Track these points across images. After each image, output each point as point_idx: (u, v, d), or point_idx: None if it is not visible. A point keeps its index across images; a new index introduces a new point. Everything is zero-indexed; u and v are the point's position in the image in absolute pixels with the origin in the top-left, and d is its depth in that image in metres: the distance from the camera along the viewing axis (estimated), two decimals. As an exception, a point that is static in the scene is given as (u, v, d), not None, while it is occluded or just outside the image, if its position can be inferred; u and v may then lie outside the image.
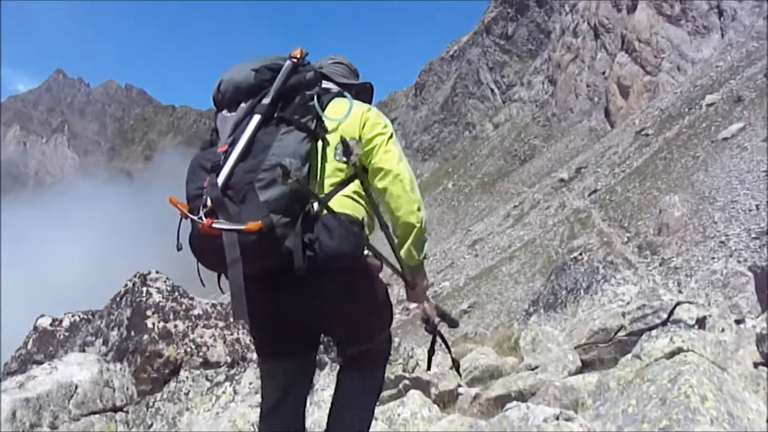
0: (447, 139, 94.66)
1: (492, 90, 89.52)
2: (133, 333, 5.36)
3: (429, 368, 4.05)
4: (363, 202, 3.12)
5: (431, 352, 3.82)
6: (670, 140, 42.49)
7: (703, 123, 41.38)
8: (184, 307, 5.63)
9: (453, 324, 3.87)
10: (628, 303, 8.82)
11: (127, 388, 5.07)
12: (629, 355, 5.04)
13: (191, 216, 2.88)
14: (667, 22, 58.89)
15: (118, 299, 5.79)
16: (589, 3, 71.26)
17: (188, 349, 5.25)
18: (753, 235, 23.54)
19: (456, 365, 4.05)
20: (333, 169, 3.07)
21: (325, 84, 3.37)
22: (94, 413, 4.80)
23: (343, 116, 3.12)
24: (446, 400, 7.06)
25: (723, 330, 6.33)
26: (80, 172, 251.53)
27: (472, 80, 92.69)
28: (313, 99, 3.14)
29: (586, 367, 7.26)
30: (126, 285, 5.80)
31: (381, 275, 3.38)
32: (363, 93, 3.58)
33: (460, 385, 7.41)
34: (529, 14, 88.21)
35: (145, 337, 5.25)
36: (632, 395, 3.95)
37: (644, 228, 31.11)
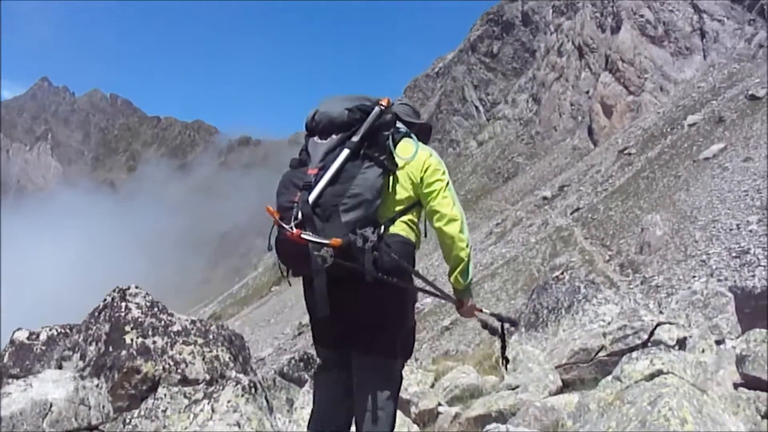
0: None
1: (476, 107, 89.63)
2: (111, 348, 5.31)
3: (506, 368, 5.38)
4: (415, 228, 3.99)
5: (504, 353, 4.59)
6: (653, 159, 42.69)
7: (684, 143, 41.61)
8: (163, 323, 5.59)
9: (513, 324, 4.56)
10: (609, 323, 8.82)
11: (103, 406, 5.02)
12: (609, 377, 5.04)
13: (283, 224, 3.74)
14: (651, 43, 59.27)
15: (96, 314, 5.74)
16: (573, 23, 71.66)
17: (166, 366, 5.21)
18: (733, 254, 23.63)
19: (505, 362, 4.70)
20: (397, 199, 3.91)
21: (398, 124, 4.16)
22: (69, 432, 4.74)
23: (410, 157, 3.93)
24: (426, 420, 7.04)
25: (703, 351, 6.33)
26: (63, 181, 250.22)
27: (457, 97, 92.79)
28: (388, 139, 3.92)
29: (566, 387, 7.26)
30: (105, 299, 5.76)
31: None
32: (423, 132, 4.43)
33: (440, 404, 7.39)
34: (514, 33, 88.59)
35: (123, 352, 5.21)
36: (612, 417, 3.94)
37: (626, 246, 31.18)
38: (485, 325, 4.84)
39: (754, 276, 21.51)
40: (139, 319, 5.47)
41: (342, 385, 4.18)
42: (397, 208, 3.90)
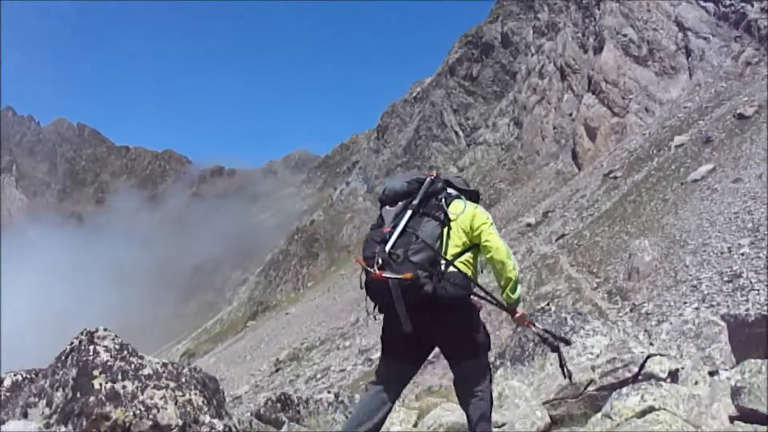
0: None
1: (456, 132, 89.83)
2: (79, 394, 5.24)
3: (569, 379, 6.59)
4: (470, 265, 5.34)
5: (562, 366, 5.91)
6: (639, 183, 42.81)
7: (672, 165, 41.77)
8: (133, 366, 5.53)
9: (566, 342, 6.11)
10: (597, 356, 8.80)
11: (71, 456, 4.94)
12: (599, 414, 5.03)
13: (369, 269, 5.08)
14: (635, 62, 59.55)
15: (63, 358, 5.67)
16: (555, 44, 72.12)
17: (137, 412, 5.15)
18: (725, 279, 23.65)
19: (569, 376, 6.12)
20: (454, 244, 5.26)
21: (450, 189, 5.58)
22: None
23: (460, 212, 5.35)
24: (411, 460, 6.98)
25: (696, 383, 6.32)
26: (28, 214, 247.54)
27: (436, 122, 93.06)
28: (441, 200, 5.37)
29: (555, 423, 7.21)
30: (72, 343, 5.69)
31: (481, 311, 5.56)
32: (473, 196, 5.67)
33: (424, 445, 7.34)
34: (494, 55, 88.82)
35: (92, 398, 5.14)
36: (603, 458, 3.91)
37: (614, 273, 31.17)
38: (544, 340, 5.97)
39: (747, 300, 21.52)
40: (108, 363, 5.41)
41: (384, 397, 5.48)
42: (455, 251, 5.24)
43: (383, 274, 4.99)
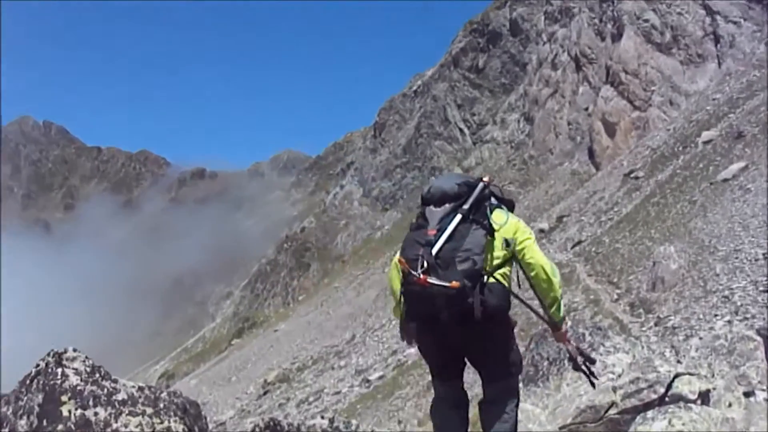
0: (410, 185, 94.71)
1: (461, 130, 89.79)
2: (45, 422, 5.21)
3: (593, 386, 6.60)
4: (508, 279, 5.53)
5: (589, 375, 6.28)
6: (663, 183, 42.71)
7: (699, 163, 41.65)
8: (106, 391, 5.48)
9: (591, 361, 6.32)
10: (619, 375, 8.77)
11: (36, 491, 4.89)
12: (623, 441, 4.97)
13: (412, 271, 5.21)
14: (657, 50, 59.41)
15: (28, 382, 5.61)
16: (569, 31, 71.94)
17: (110, 441, 5.10)
18: (761, 288, 23.48)
19: (592, 384, 6.44)
20: (495, 256, 5.42)
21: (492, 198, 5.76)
22: None
23: (503, 223, 5.51)
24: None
25: (730, 405, 6.28)
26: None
27: (439, 119, 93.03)
28: (487, 208, 5.52)
29: (573, 450, 7.16)
30: (38, 365, 5.64)
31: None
32: (508, 206, 5.86)
33: (429, 475, 7.32)
34: (501, 44, 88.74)
35: (60, 426, 5.10)
36: (629, 489, 3.88)
37: (636, 283, 31.05)
38: (570, 358, 6.31)
39: (785, 312, 21.39)
40: (78, 388, 5.36)
41: (458, 416, 5.86)
42: (495, 263, 5.41)
43: (428, 279, 5.14)
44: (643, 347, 13.17)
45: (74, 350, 5.79)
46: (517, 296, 5.72)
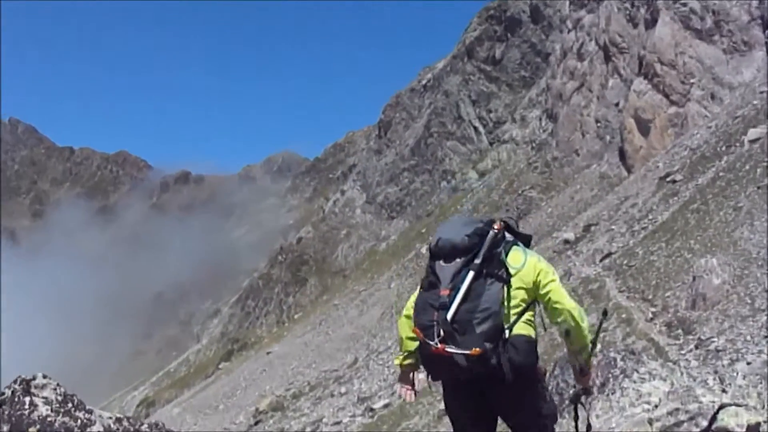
0: (419, 191, 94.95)
1: (476, 128, 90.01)
2: (12, 458, 5.00)
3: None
4: (533, 325, 5.61)
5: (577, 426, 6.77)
6: (704, 187, 42.52)
7: (745, 164, 41.42)
8: (79, 422, 5.34)
9: (587, 393, 6.69)
10: (656, 406, 8.57)
11: None
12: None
13: (428, 341, 5.38)
14: (697, 38, 59.25)
15: (-7, 412, 5.40)
16: (597, 17, 71.75)
17: (85, 479, 4.87)
18: (817, 306, 23.28)
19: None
20: (516, 303, 5.53)
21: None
22: None
23: (521, 265, 5.63)
24: None
25: (782, 440, 6.04)
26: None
27: (451, 116, 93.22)
28: (501, 253, 5.62)
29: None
30: (3, 393, 5.45)
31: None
32: (524, 240, 6.07)
33: None
34: (521, 32, 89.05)
35: (29, 462, 4.89)
36: None
37: (674, 300, 30.83)
38: (580, 394, 6.65)
39: (844, 335, 21.15)
40: (49, 419, 5.25)
41: None
42: (516, 311, 5.53)
43: (446, 349, 5.30)
44: (682, 373, 12.91)
45: (44, 377, 5.76)
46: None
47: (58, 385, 5.69)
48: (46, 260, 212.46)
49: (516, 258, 5.67)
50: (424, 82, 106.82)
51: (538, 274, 5.64)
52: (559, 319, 5.66)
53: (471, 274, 5.42)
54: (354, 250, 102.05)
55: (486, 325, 5.28)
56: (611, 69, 67.72)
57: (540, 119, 79.55)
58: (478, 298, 5.34)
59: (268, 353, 79.71)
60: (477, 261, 5.48)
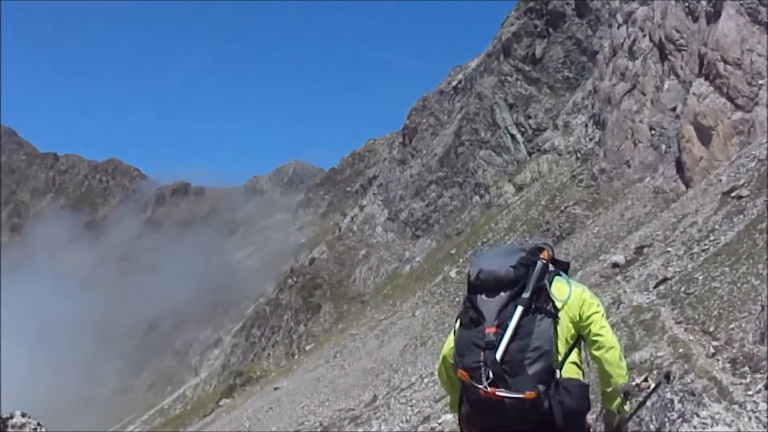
0: (448, 207, 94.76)
1: (513, 136, 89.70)
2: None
3: None
4: (582, 367, 5.77)
5: None
6: (774, 204, 42.25)
7: (822, 179, 41.21)
8: None
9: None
10: (720, 456, 8.26)
11: None
12: None
13: (476, 384, 5.38)
14: (767, 33, 58.87)
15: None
16: (651, 10, 71.45)
17: None
18: None
19: None
20: (563, 341, 5.67)
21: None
22: None
23: (566, 297, 5.73)
24: None
25: None
26: None
27: (485, 123, 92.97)
28: (545, 286, 5.67)
29: None
30: (-23, 431, 5.23)
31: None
32: (563, 267, 6.08)
33: None
34: (565, 27, 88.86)
35: None
36: None
37: (739, 333, 30.47)
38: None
39: None
40: None
41: None
42: (564, 350, 5.68)
43: (497, 392, 5.31)
44: (750, 418, 12.62)
45: (23, 415, 5.63)
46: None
47: (39, 424, 5.66)
48: (26, 281, 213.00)
49: (560, 289, 5.76)
50: (454, 83, 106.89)
51: (583, 305, 5.79)
52: (597, 353, 5.83)
53: (519, 309, 5.45)
54: (374, 273, 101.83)
55: (538, 365, 5.31)
56: (667, 69, 67.42)
57: (586, 126, 79.29)
58: (529, 335, 5.38)
59: (275, 389, 79.62)
60: (525, 295, 5.51)
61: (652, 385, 9.83)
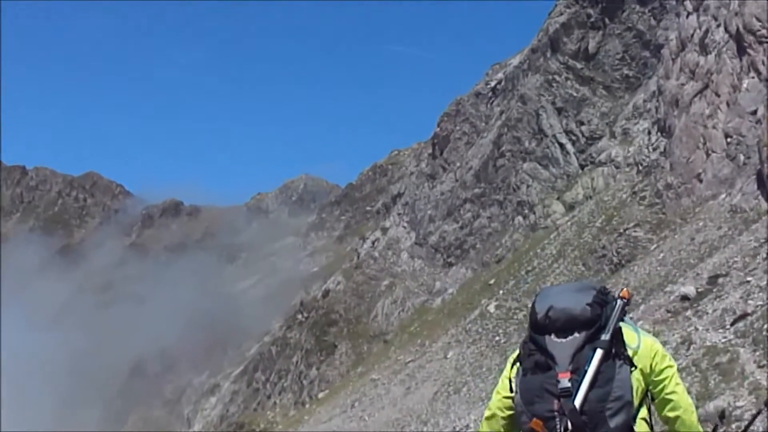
0: (486, 229, 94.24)
1: (562, 146, 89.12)
2: None
3: None
4: (651, 425, 5.79)
5: None
6: None
7: None
8: None
9: None
10: None
11: None
12: None
13: None
14: None
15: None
16: (726, -4, 71.01)
17: None
18: None
19: None
20: (636, 394, 5.66)
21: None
22: None
23: (636, 346, 5.78)
24: None
25: None
26: None
27: (529, 130, 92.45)
28: (621, 329, 5.76)
29: None
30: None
31: None
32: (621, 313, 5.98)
33: None
34: (624, 17, 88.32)
35: None
36: None
37: (833, 379, 30.29)
38: None
39: None
40: None
41: None
42: (636, 403, 5.64)
43: None
44: None
45: None
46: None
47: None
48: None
49: (631, 337, 5.78)
50: (493, 84, 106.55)
51: (654, 357, 5.78)
52: (670, 413, 5.81)
53: (600, 352, 5.49)
54: (398, 307, 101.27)
55: (620, 417, 5.36)
56: (746, 65, 66.89)
57: (648, 133, 78.77)
58: (609, 383, 5.40)
59: (283, 443, 79.50)
60: (605, 337, 5.56)
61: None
